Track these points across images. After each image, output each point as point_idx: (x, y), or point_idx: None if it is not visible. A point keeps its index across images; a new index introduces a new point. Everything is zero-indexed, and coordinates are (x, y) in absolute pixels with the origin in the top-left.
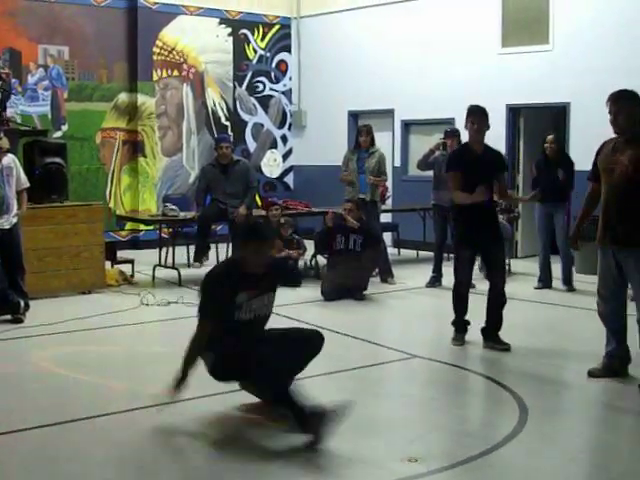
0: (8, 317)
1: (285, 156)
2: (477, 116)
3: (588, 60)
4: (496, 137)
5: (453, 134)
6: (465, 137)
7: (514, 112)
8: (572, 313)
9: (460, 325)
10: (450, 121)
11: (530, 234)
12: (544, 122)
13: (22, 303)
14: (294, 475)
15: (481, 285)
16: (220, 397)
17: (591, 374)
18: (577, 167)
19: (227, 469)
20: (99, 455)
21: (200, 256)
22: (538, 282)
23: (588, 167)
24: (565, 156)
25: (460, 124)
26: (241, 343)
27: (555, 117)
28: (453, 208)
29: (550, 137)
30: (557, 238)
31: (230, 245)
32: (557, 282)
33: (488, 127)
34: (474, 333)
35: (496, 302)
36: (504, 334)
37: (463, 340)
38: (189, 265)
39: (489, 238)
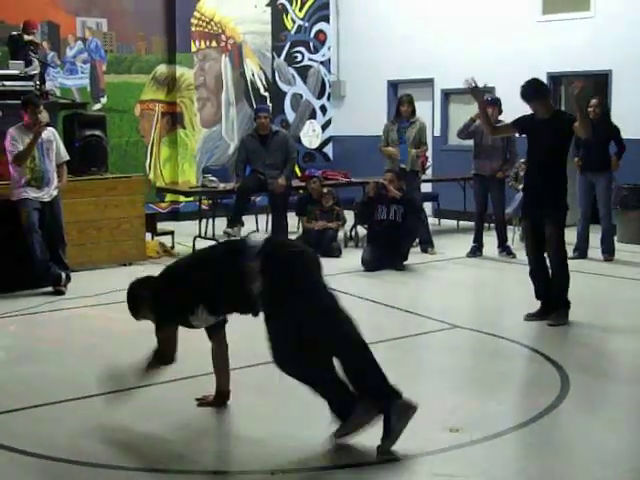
0: (50, 289)
1: (324, 127)
2: (527, 101)
3: (630, 27)
4: None
5: (493, 103)
6: (505, 105)
7: (555, 80)
8: (613, 283)
9: (542, 301)
10: (490, 90)
11: (572, 203)
12: (586, 90)
13: (63, 275)
14: (338, 448)
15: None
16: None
17: None
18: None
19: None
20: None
21: (234, 224)
22: (573, 252)
23: (630, 135)
24: (607, 121)
25: (500, 93)
26: None
27: (597, 85)
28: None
29: (594, 100)
30: (599, 208)
31: (269, 216)
32: (594, 252)
33: (544, 99)
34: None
35: (554, 277)
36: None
37: (536, 316)
38: (228, 235)
39: (543, 212)
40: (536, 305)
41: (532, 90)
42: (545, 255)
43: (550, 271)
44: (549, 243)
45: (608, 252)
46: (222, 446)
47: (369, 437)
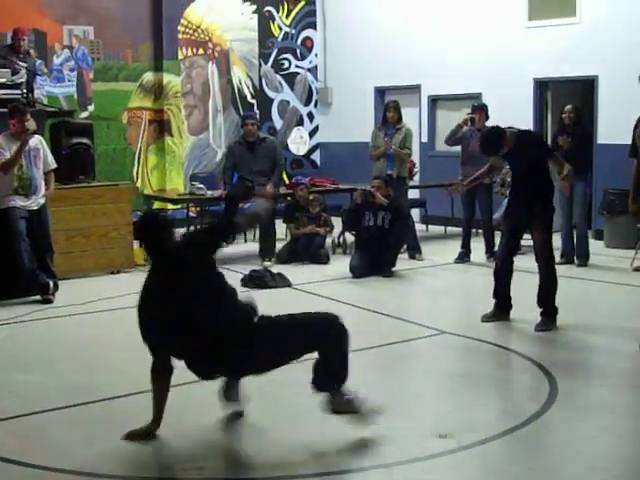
0: (38, 297)
1: (312, 133)
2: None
3: (616, 33)
4: (524, 111)
5: (480, 109)
6: (492, 111)
7: (541, 86)
8: (600, 288)
9: (496, 300)
10: (477, 96)
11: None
12: (572, 96)
13: (51, 283)
14: (326, 453)
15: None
16: None
17: None
18: (605, 140)
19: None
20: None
21: None
22: (560, 257)
23: (616, 140)
24: (580, 127)
25: (487, 99)
26: None
27: (583, 91)
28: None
29: (568, 107)
30: (574, 213)
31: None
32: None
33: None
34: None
35: (542, 281)
36: (526, 309)
37: (493, 317)
38: None
39: (530, 222)
40: (525, 309)
41: (489, 146)
42: (513, 258)
43: (539, 275)
44: (538, 247)
45: (582, 257)
46: (214, 453)
47: (355, 443)
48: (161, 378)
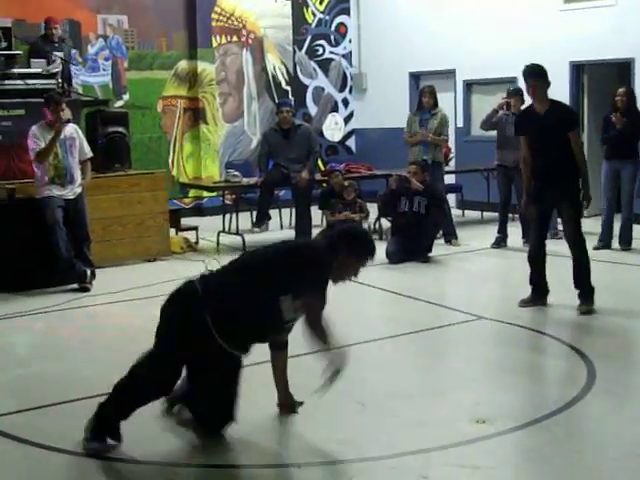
0: (75, 286)
1: (347, 119)
2: (527, 79)
3: None
4: (560, 95)
5: (516, 93)
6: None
7: (577, 69)
8: (638, 272)
9: (533, 286)
10: (512, 80)
11: (597, 192)
12: (608, 79)
13: (88, 272)
14: (359, 438)
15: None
16: None
17: None
18: None
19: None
20: None
21: (261, 221)
22: (598, 242)
23: None
24: (635, 110)
25: (522, 83)
26: None
27: (620, 73)
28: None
29: (621, 90)
30: (622, 196)
31: (294, 210)
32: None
33: (547, 85)
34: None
35: (574, 260)
36: (564, 294)
37: (530, 302)
38: (252, 231)
39: (558, 197)
40: (563, 293)
41: (537, 70)
42: (545, 242)
43: (572, 257)
44: (567, 226)
45: (625, 242)
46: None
47: (391, 429)
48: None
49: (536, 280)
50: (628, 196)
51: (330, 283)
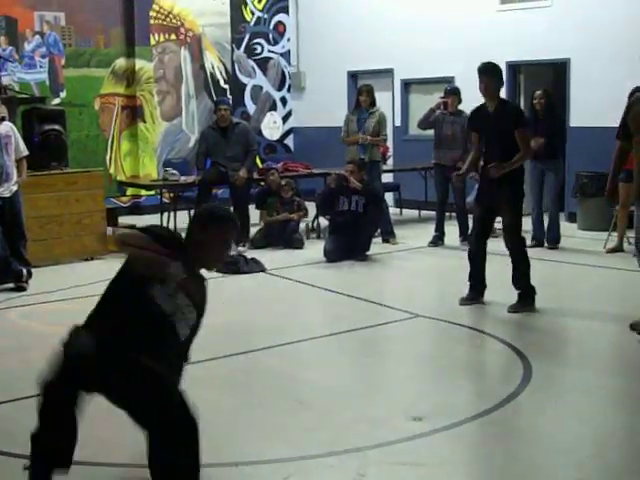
0: (11, 285)
1: (285, 118)
2: (481, 75)
3: (587, 15)
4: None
5: (453, 92)
6: (464, 95)
7: (514, 69)
8: (573, 270)
9: (472, 284)
10: (450, 79)
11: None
12: (544, 79)
13: (24, 271)
14: (298, 436)
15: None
16: None
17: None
18: (579, 123)
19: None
20: None
21: None
22: (531, 240)
23: (590, 123)
24: (552, 112)
25: (460, 82)
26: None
27: (555, 73)
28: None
29: (538, 92)
30: (546, 195)
31: (232, 209)
32: None
33: (500, 84)
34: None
35: (512, 262)
36: (502, 292)
37: (471, 300)
38: None
39: (500, 197)
40: (501, 291)
41: (490, 68)
42: (486, 241)
43: (510, 260)
44: (507, 231)
45: (553, 241)
46: None
47: (327, 428)
48: None
49: (475, 277)
50: (553, 196)
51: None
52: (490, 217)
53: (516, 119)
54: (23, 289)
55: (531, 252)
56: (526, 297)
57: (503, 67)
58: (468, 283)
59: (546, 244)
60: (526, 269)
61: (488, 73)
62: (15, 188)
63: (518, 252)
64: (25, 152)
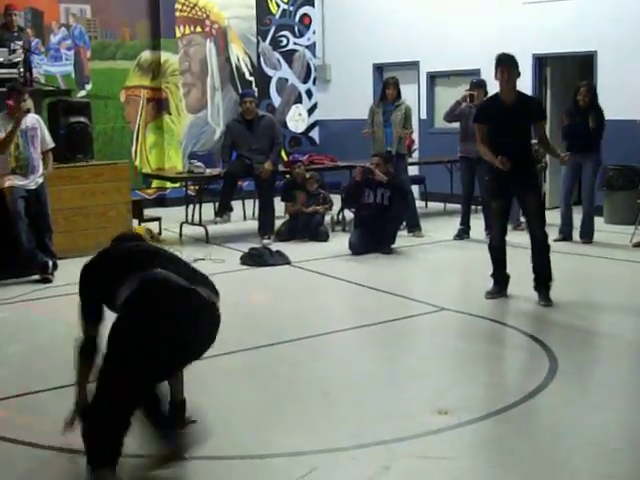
0: (37, 277)
1: (310, 111)
2: (505, 65)
3: (613, 7)
4: (523, 87)
5: (479, 85)
6: (490, 88)
7: (540, 61)
8: (599, 263)
9: (497, 278)
10: (476, 72)
11: (557, 184)
12: (571, 71)
13: (50, 263)
14: (323, 429)
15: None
16: None
17: None
18: (605, 116)
19: None
20: None
21: (223, 212)
22: (559, 234)
23: (616, 116)
24: (596, 105)
25: (486, 75)
26: None
27: (582, 66)
28: (480, 159)
29: (583, 88)
30: (582, 189)
31: (257, 201)
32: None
33: (518, 75)
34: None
35: (538, 251)
36: (527, 285)
37: (496, 293)
38: (215, 222)
39: (522, 187)
40: (525, 284)
41: (512, 57)
42: (506, 235)
43: (534, 247)
44: (538, 216)
45: (587, 236)
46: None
47: (353, 420)
48: None
49: (498, 271)
50: (589, 190)
51: None
52: (508, 209)
53: (539, 111)
54: (49, 281)
55: (558, 246)
56: (549, 285)
57: (529, 59)
58: (492, 277)
59: (579, 238)
60: (549, 257)
61: (512, 63)
62: (41, 180)
63: (544, 238)
64: (51, 144)
